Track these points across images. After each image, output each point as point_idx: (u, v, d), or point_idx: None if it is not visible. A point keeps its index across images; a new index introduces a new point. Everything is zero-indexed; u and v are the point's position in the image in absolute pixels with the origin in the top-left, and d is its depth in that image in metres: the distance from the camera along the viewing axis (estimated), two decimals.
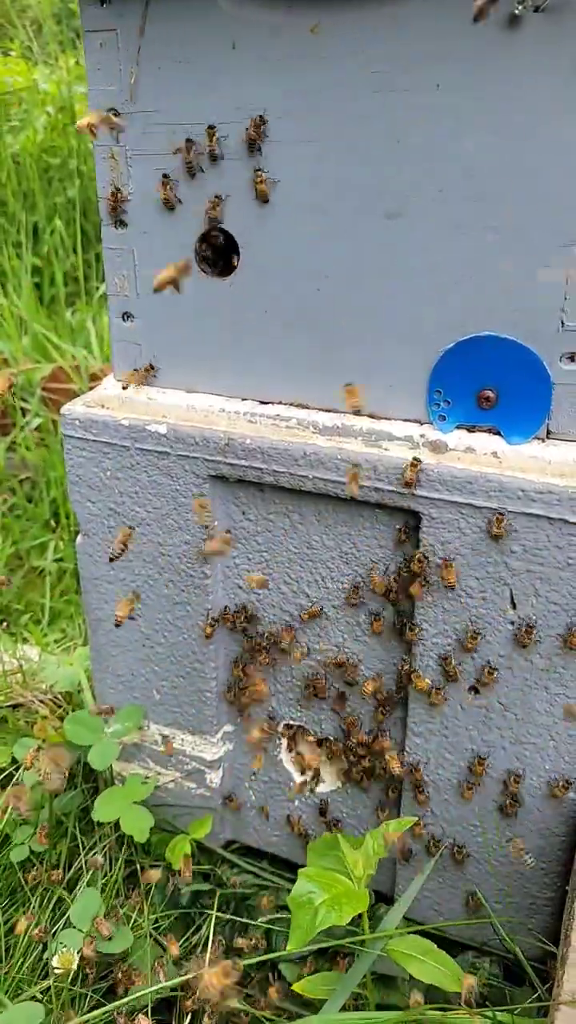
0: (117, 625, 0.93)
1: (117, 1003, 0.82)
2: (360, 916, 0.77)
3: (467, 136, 0.69)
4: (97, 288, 2.63)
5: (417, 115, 0.70)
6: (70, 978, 0.85)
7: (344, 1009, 0.75)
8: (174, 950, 0.89)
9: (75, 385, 2.09)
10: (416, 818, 0.85)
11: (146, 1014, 0.81)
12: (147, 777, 1.06)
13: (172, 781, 1.06)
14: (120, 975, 0.87)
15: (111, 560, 0.91)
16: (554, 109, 0.66)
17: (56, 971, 0.83)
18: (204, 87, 0.77)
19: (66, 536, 1.83)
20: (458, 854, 0.87)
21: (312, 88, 0.73)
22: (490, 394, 0.77)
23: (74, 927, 0.91)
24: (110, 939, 0.89)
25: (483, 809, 0.85)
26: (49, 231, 2.73)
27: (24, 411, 2.15)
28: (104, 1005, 0.85)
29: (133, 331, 0.90)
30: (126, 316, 0.89)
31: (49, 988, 0.87)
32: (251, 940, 0.94)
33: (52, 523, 1.88)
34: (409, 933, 0.78)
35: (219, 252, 0.84)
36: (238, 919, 0.98)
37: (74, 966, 0.83)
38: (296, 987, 0.77)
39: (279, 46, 0.73)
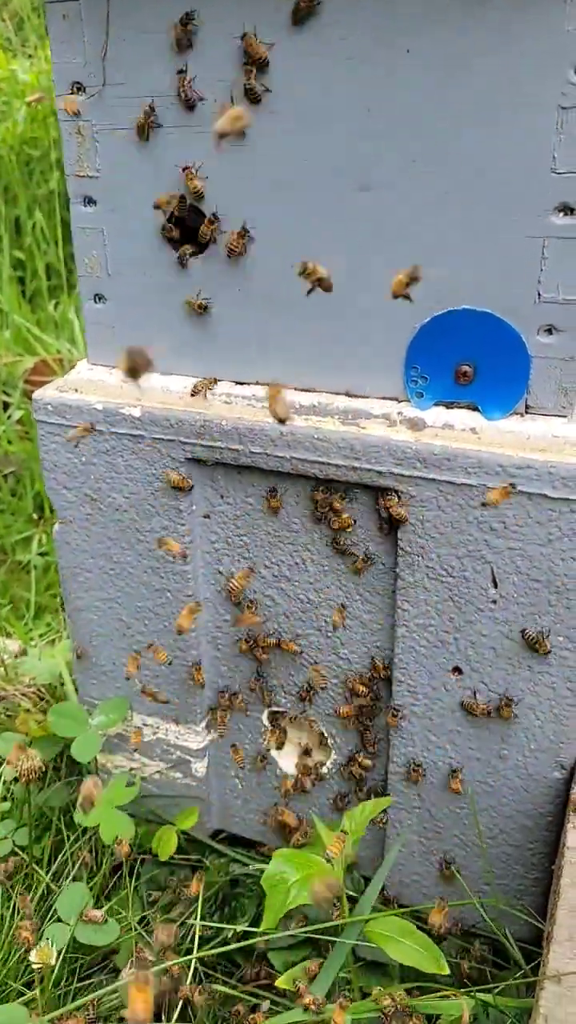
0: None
1: (101, 992, 0.81)
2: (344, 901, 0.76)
3: (439, 104, 0.68)
4: None
5: (388, 83, 0.69)
6: (52, 974, 0.83)
7: (330, 996, 0.74)
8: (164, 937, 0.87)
9: (58, 378, 2.07)
10: (390, 799, 0.84)
11: None
12: (132, 770, 1.05)
13: (157, 772, 1.04)
14: None
15: None
16: (529, 75, 0.64)
17: (35, 967, 0.82)
18: (169, 59, 0.75)
19: (50, 530, 1.81)
20: (447, 864, 0.87)
21: (278, 58, 0.71)
22: (467, 369, 0.75)
23: (61, 920, 0.90)
24: (105, 922, 0.88)
25: (469, 790, 0.84)
26: (31, 224, 2.70)
27: (6, 405, 2.12)
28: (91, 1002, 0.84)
29: (105, 312, 0.88)
30: (98, 298, 0.88)
31: (32, 984, 0.85)
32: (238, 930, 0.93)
33: (36, 517, 1.86)
34: (394, 915, 0.77)
35: (189, 230, 0.82)
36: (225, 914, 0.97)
37: (52, 961, 0.82)
38: (279, 983, 0.76)
39: (243, 16, 0.71)
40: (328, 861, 0.72)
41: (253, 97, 0.72)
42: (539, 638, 0.75)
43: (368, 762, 0.90)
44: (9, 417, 2.08)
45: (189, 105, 0.75)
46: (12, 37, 3.59)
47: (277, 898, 0.69)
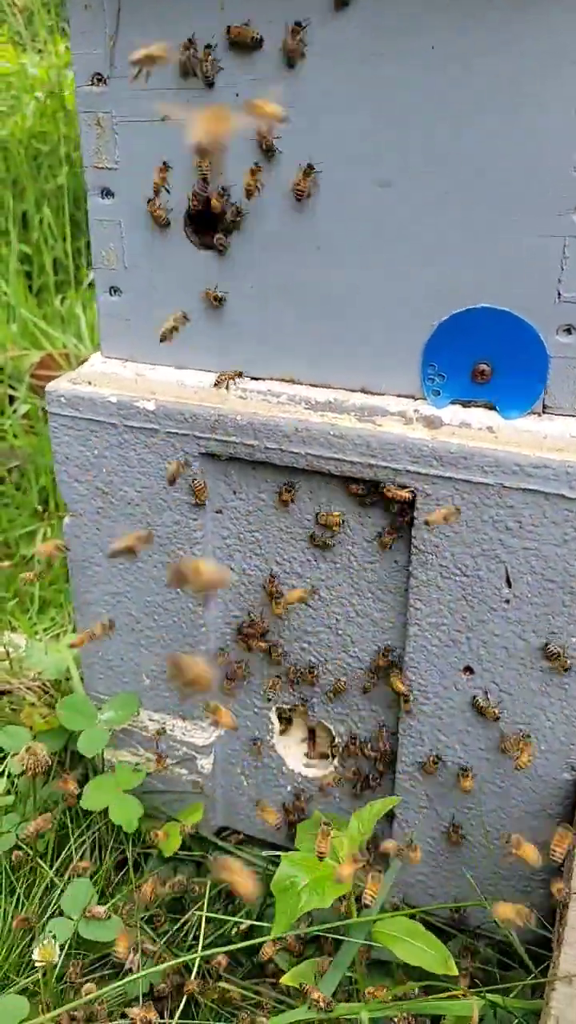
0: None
1: (106, 989, 0.80)
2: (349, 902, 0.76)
3: (460, 101, 0.68)
4: (88, 276, 2.60)
5: (408, 80, 0.68)
6: (55, 971, 0.83)
7: (335, 996, 0.74)
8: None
9: (70, 371, 2.06)
10: (398, 798, 0.83)
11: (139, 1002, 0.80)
12: (138, 764, 1.04)
13: (163, 767, 1.04)
14: None
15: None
16: (551, 70, 0.64)
17: (38, 964, 0.82)
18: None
19: (56, 524, 1.81)
20: (454, 833, 0.86)
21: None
22: (485, 368, 0.75)
23: (65, 916, 0.89)
24: (108, 919, 0.88)
25: (478, 790, 0.84)
26: (38, 219, 2.70)
27: (12, 399, 2.12)
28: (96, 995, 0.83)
29: (121, 305, 0.88)
30: (113, 290, 0.87)
31: (38, 978, 0.85)
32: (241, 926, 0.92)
33: (41, 511, 1.85)
34: (400, 916, 0.77)
35: (207, 223, 0.82)
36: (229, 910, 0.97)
37: (56, 959, 0.82)
38: (284, 980, 0.76)
39: (257, 10, 0.71)
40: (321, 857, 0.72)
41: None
42: (560, 652, 0.74)
43: (375, 759, 0.89)
44: (15, 411, 2.07)
45: (209, 83, 0.74)
46: (22, 31, 3.58)
47: (288, 903, 0.69)
